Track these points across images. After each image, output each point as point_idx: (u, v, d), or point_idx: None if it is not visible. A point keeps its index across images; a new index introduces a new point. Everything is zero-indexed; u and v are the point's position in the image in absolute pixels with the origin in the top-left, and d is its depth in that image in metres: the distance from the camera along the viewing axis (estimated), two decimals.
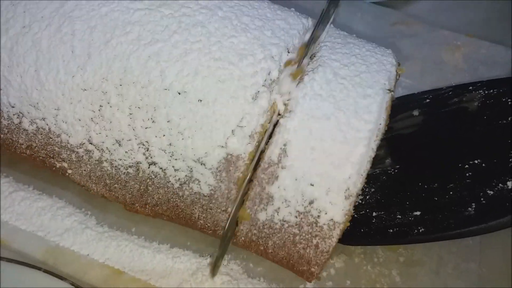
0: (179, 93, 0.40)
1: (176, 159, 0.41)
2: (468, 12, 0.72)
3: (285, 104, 0.40)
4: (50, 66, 0.43)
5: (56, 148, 0.45)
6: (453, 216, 0.42)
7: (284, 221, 0.40)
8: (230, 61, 0.40)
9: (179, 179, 0.41)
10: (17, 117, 0.45)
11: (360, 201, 0.47)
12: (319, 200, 0.39)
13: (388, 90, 0.42)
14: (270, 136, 0.40)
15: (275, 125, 0.41)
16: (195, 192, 0.41)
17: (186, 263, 0.48)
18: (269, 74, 0.40)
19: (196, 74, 0.40)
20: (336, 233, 0.40)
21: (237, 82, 0.40)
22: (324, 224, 0.39)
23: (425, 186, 0.45)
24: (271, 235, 0.41)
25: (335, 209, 0.39)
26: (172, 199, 0.43)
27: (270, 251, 0.42)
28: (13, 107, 0.45)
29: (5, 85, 0.44)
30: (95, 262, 0.49)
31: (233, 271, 0.48)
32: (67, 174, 0.46)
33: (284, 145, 0.39)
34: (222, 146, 0.40)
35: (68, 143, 0.44)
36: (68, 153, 0.44)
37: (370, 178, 0.48)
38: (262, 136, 0.40)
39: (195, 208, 0.42)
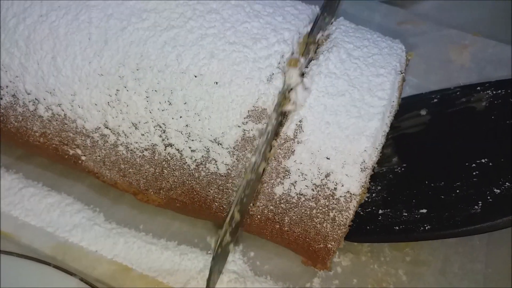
0: (196, 76, 0.42)
1: (193, 140, 0.42)
2: (475, 11, 0.72)
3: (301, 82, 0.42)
4: (67, 53, 0.44)
5: (71, 134, 0.46)
6: (459, 214, 0.43)
7: (301, 194, 0.41)
8: (245, 44, 0.42)
9: (195, 160, 0.43)
10: (33, 104, 0.47)
11: (366, 199, 0.49)
12: (335, 172, 0.40)
13: (400, 71, 0.44)
14: (285, 115, 0.42)
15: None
16: (212, 172, 0.43)
17: (194, 260, 0.50)
18: (282, 57, 0.42)
19: (212, 57, 0.42)
20: (353, 205, 0.41)
21: (252, 64, 0.42)
22: (340, 196, 0.41)
23: (432, 185, 0.46)
24: (287, 210, 0.42)
25: (351, 181, 0.40)
26: (187, 181, 0.44)
27: (286, 228, 0.43)
28: (29, 94, 0.46)
29: (22, 72, 0.46)
30: (103, 258, 0.50)
31: (240, 269, 0.49)
32: (79, 161, 0.48)
33: (300, 121, 0.41)
34: (239, 126, 0.41)
35: (83, 128, 0.46)
36: (82, 138, 0.46)
37: (377, 176, 0.50)
38: (278, 116, 0.42)
39: (211, 189, 0.43)
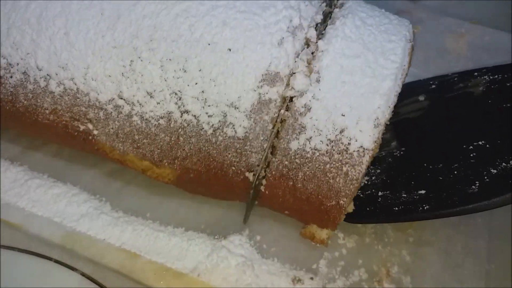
0: (209, 44, 0.44)
1: (209, 105, 0.44)
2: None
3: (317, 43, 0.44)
4: (80, 28, 0.46)
5: (83, 108, 0.47)
6: (457, 193, 0.45)
7: (316, 149, 0.43)
8: (255, 12, 0.44)
9: (212, 125, 0.44)
10: (44, 80, 0.47)
11: (366, 182, 0.51)
12: (350, 128, 0.42)
13: (409, 40, 0.46)
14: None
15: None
16: (229, 137, 0.44)
17: (201, 245, 0.51)
18: (290, 22, 0.44)
19: (224, 25, 0.44)
20: (366, 159, 0.42)
21: (263, 30, 0.44)
22: (354, 151, 0.42)
23: (430, 167, 0.48)
24: (302, 165, 0.44)
25: (365, 136, 0.42)
26: (204, 148, 0.45)
27: (299, 185, 0.44)
28: (40, 70, 0.47)
29: (34, 48, 0.47)
30: (111, 246, 0.51)
31: (247, 252, 0.50)
32: (90, 137, 0.48)
33: (317, 80, 0.43)
34: (254, 90, 0.43)
35: (96, 100, 0.46)
36: (95, 111, 0.47)
37: (376, 160, 0.52)
38: (290, 78, 0.43)
39: (229, 153, 0.45)
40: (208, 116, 0.44)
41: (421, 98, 0.55)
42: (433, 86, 0.56)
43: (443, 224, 0.52)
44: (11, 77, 0.48)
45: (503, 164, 0.44)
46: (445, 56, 0.67)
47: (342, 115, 0.42)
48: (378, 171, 0.51)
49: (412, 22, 0.69)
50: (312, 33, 0.44)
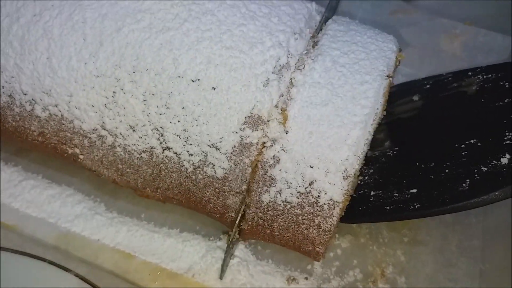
0: (193, 81, 0.43)
1: (191, 144, 0.43)
2: (466, 0, 0.73)
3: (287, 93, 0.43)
4: (62, 54, 0.45)
5: (69, 134, 0.47)
6: (448, 192, 0.45)
7: (287, 202, 0.43)
8: (241, 49, 0.43)
9: (193, 163, 0.44)
10: (30, 104, 0.47)
11: (359, 182, 0.50)
12: (319, 181, 0.42)
13: (387, 76, 0.45)
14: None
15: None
16: (209, 176, 0.44)
17: (196, 246, 0.51)
18: (278, 61, 0.43)
19: (209, 62, 0.43)
20: (336, 212, 0.43)
21: (248, 70, 0.42)
22: (324, 203, 0.43)
23: (422, 166, 0.48)
24: (275, 217, 0.44)
25: (334, 189, 0.42)
26: (184, 183, 0.45)
27: (276, 233, 0.45)
28: (25, 94, 0.47)
29: (17, 72, 0.46)
30: (106, 246, 0.51)
31: (242, 253, 0.51)
32: (78, 160, 0.49)
33: (285, 131, 0.42)
34: (236, 132, 0.42)
35: (81, 129, 0.46)
36: (80, 138, 0.47)
37: (369, 160, 0.52)
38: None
39: (207, 191, 0.45)
40: (189, 154, 0.44)
41: (415, 98, 0.55)
42: (427, 86, 0.56)
43: (437, 224, 0.53)
44: None
45: (494, 161, 0.44)
46: (440, 56, 0.67)
47: (310, 167, 0.42)
48: (371, 171, 0.51)
49: (407, 22, 0.70)
50: (297, 75, 0.43)
